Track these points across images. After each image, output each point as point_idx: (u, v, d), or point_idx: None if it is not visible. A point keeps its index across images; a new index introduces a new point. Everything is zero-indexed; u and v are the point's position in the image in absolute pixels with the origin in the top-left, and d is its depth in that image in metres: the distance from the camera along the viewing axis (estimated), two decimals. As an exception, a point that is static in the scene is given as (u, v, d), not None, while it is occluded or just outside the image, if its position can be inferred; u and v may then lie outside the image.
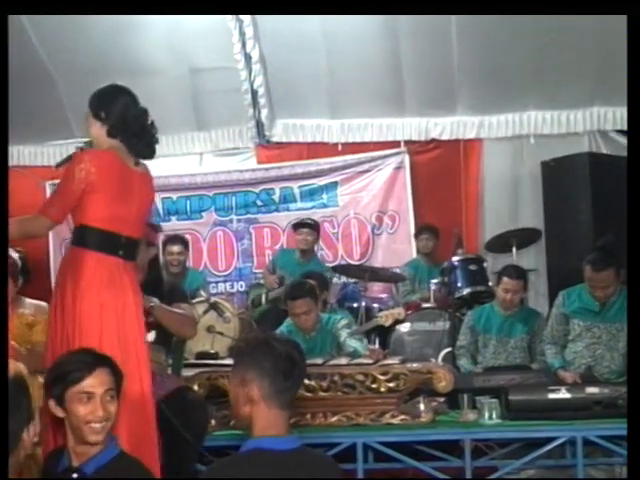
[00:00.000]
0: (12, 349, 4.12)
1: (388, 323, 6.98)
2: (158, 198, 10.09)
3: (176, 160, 10.18)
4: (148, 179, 4.79)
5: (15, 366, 2.65)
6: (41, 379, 3.98)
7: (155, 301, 5.11)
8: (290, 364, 3.22)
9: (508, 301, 7.37)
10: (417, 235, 9.53)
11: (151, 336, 5.15)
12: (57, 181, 10.15)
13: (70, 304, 4.37)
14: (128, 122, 4.58)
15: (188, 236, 9.49)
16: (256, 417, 3.19)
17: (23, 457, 3.14)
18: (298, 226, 9.27)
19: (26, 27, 8.60)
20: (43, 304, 5.62)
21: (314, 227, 9.25)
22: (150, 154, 4.78)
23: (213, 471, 3.20)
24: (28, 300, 5.53)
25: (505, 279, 7.40)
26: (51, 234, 10.11)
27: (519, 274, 7.48)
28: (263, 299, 8.86)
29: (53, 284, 9.87)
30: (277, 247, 9.97)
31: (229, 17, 8.66)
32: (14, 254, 5.12)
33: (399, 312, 7.03)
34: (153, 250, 5.42)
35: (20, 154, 10.03)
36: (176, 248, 8.79)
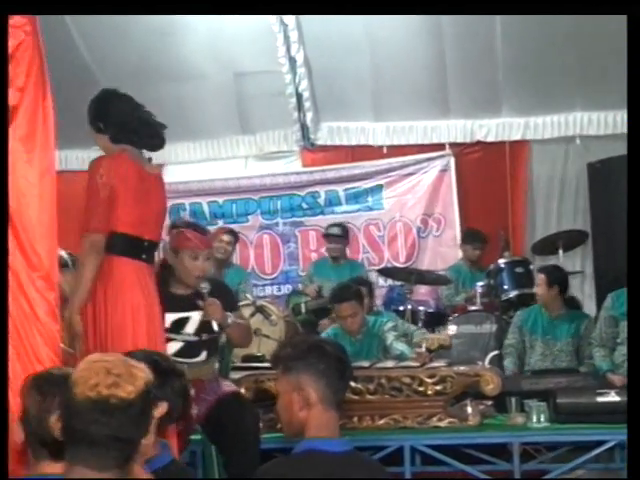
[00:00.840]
0: (62, 351, 4.14)
1: (434, 347, 6.98)
2: (204, 202, 10.15)
3: (221, 164, 10.23)
4: (161, 180, 4.83)
5: (145, 374, 2.52)
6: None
7: (232, 317, 5.19)
8: (342, 364, 3.22)
9: (539, 296, 7.42)
10: (464, 241, 9.47)
11: (203, 355, 5.20)
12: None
13: (102, 308, 4.46)
14: (126, 124, 4.66)
15: (234, 239, 9.56)
16: (311, 419, 3.15)
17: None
18: (326, 235, 9.41)
19: (71, 31, 8.65)
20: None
21: (342, 235, 9.38)
22: (160, 143, 4.83)
23: (266, 471, 3.19)
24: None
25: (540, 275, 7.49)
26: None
27: (543, 269, 7.58)
28: (303, 308, 8.88)
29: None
30: (313, 257, 10.02)
31: (273, 21, 8.68)
32: (64, 254, 5.16)
33: (444, 338, 7.03)
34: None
35: (67, 159, 10.08)
36: (226, 237, 8.96)
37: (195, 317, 5.16)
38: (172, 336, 5.04)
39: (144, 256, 4.58)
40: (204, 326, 5.18)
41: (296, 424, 3.17)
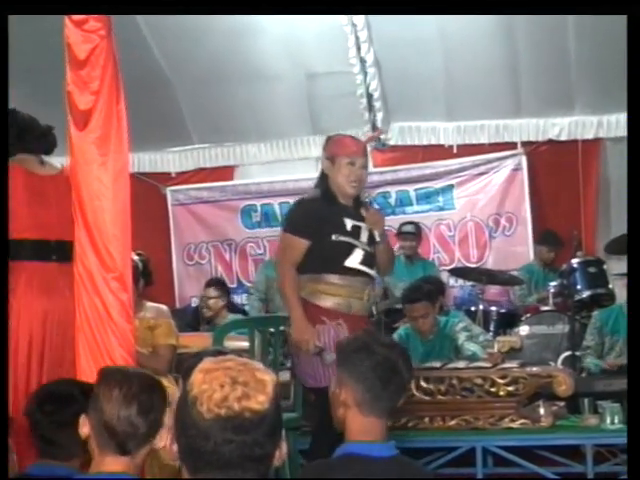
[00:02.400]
0: (136, 352, 4.20)
1: (504, 350, 6.94)
2: (276, 203, 10.20)
3: (293, 164, 10.25)
4: (61, 179, 4.57)
5: (271, 377, 2.22)
6: (165, 381, 4.05)
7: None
8: (390, 371, 3.01)
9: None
10: (539, 243, 9.38)
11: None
12: (178, 187, 10.43)
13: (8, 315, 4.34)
14: (12, 136, 4.49)
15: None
16: (350, 422, 3.02)
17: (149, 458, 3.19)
18: (400, 233, 9.39)
19: (144, 33, 8.75)
20: (164, 307, 5.73)
21: (415, 233, 9.41)
22: (47, 146, 4.70)
23: (305, 473, 3.16)
24: (149, 303, 5.63)
25: None
26: (173, 239, 10.31)
27: None
28: (374, 310, 8.87)
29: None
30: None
31: (345, 21, 8.69)
32: (134, 256, 5.22)
33: (515, 340, 6.99)
34: None
35: (140, 161, 10.21)
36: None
37: (364, 227, 5.08)
38: (353, 242, 4.98)
39: (54, 257, 4.50)
40: (372, 237, 5.10)
41: (337, 420, 3.08)
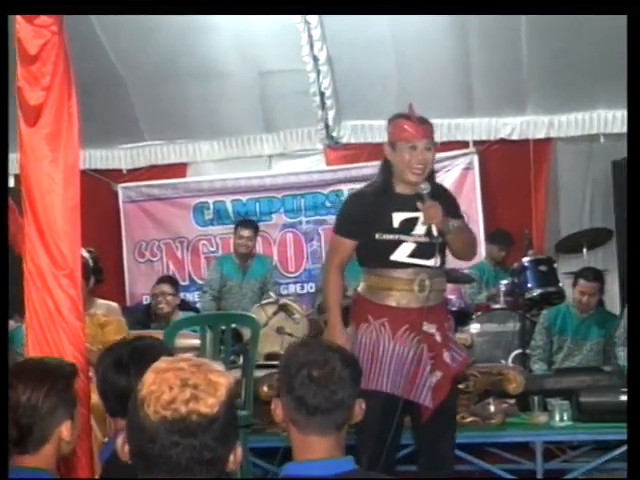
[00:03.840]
0: (86, 349, 4.17)
1: None
2: (228, 200, 10.19)
3: (245, 162, 10.24)
4: None
5: (226, 379, 2.15)
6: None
7: (454, 222, 4.82)
8: (323, 385, 2.63)
9: (584, 304, 7.33)
10: (491, 242, 9.42)
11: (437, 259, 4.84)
12: (129, 184, 10.38)
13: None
14: None
15: (259, 238, 9.60)
16: (292, 440, 2.70)
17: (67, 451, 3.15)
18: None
19: (96, 30, 8.68)
20: (114, 304, 5.72)
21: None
22: None
23: None
24: (100, 300, 5.61)
25: (581, 281, 7.37)
26: (125, 236, 10.25)
27: (596, 276, 7.45)
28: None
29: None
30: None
31: (297, 19, 8.68)
32: (85, 253, 5.18)
33: (465, 338, 7.03)
34: None
35: (92, 157, 10.13)
36: (246, 232, 9.15)
37: (422, 218, 4.81)
38: (402, 237, 4.77)
39: None
40: (431, 228, 4.82)
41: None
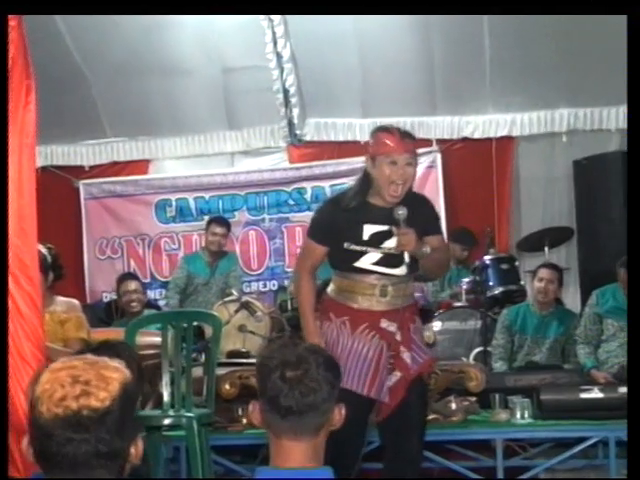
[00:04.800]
0: (45, 346, 4.14)
1: None
2: (191, 198, 10.15)
3: (208, 159, 10.22)
4: None
5: (120, 374, 2.18)
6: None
7: (428, 247, 4.70)
8: (295, 388, 2.55)
9: (543, 292, 7.36)
10: (453, 240, 9.38)
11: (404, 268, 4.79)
12: (91, 180, 10.31)
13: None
14: None
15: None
16: (270, 444, 2.62)
17: None
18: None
19: (59, 26, 8.64)
20: (74, 301, 5.66)
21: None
22: None
23: None
24: (59, 298, 5.55)
25: (541, 270, 7.44)
26: (85, 233, 10.18)
27: (555, 267, 7.52)
28: (289, 305, 8.84)
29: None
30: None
31: (261, 16, 8.67)
32: (43, 249, 5.13)
33: (429, 335, 7.04)
34: None
35: (53, 153, 10.08)
36: (219, 229, 9.14)
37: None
38: (370, 250, 4.69)
39: None
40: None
41: None
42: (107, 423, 2.10)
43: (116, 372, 2.18)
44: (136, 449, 2.20)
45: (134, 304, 8.29)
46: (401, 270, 4.72)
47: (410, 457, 4.78)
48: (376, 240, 4.72)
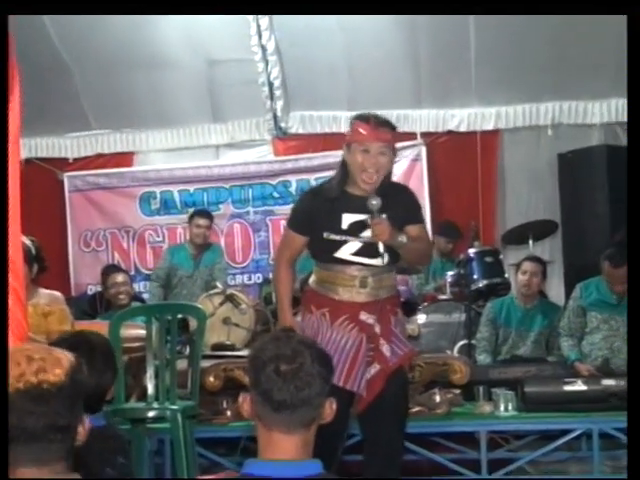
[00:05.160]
0: (29, 339, 4.12)
1: None
2: (175, 190, 10.13)
3: (193, 152, 10.21)
4: None
5: (67, 357, 2.35)
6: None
7: (404, 236, 4.67)
8: (289, 380, 2.51)
9: (526, 285, 7.37)
10: (438, 234, 9.37)
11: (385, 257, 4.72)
12: (75, 173, 10.27)
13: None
14: None
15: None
16: (258, 436, 2.58)
17: None
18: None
19: (44, 19, 8.62)
20: (58, 294, 5.64)
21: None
22: None
23: None
24: (43, 290, 5.53)
25: (524, 262, 7.46)
26: (70, 226, 10.16)
27: (538, 259, 7.54)
28: (274, 298, 8.83)
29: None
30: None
31: (246, 9, 8.67)
32: (27, 241, 5.11)
33: (413, 328, 7.04)
34: None
35: (38, 146, 10.06)
36: (202, 221, 9.08)
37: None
38: (350, 239, 4.67)
39: None
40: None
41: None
42: (63, 398, 2.28)
43: (64, 354, 2.37)
44: (83, 427, 2.37)
45: (122, 296, 8.22)
46: (381, 260, 4.68)
47: (390, 449, 4.76)
48: (355, 229, 4.70)
